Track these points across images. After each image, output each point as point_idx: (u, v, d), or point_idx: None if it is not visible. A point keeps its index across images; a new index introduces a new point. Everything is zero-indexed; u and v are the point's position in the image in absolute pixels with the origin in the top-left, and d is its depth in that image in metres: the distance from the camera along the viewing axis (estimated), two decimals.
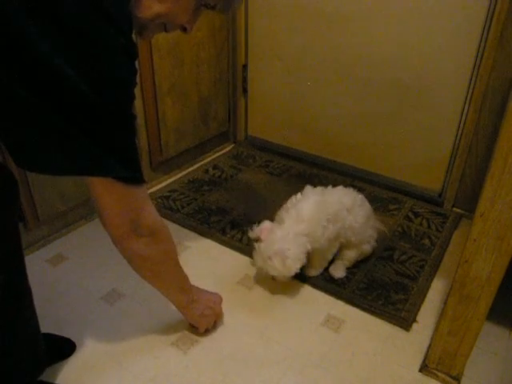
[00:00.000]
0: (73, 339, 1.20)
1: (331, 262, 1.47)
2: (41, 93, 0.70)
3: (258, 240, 1.33)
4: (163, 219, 1.00)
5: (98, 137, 0.76)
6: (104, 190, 0.83)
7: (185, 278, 1.13)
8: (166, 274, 1.07)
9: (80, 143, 0.75)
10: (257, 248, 1.32)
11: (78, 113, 0.73)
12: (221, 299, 1.25)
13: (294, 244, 1.27)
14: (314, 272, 1.45)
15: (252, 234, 1.35)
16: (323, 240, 1.33)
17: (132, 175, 0.84)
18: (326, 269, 1.46)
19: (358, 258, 1.48)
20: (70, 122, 0.72)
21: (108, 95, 0.74)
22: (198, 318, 1.20)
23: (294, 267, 1.27)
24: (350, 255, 1.45)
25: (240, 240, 1.62)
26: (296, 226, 1.30)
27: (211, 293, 1.24)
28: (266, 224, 1.34)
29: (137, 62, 0.80)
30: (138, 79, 1.84)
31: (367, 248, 1.47)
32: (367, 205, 1.46)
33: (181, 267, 1.10)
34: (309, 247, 1.29)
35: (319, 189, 1.42)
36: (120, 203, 0.86)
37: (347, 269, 1.46)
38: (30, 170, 0.82)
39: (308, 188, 1.40)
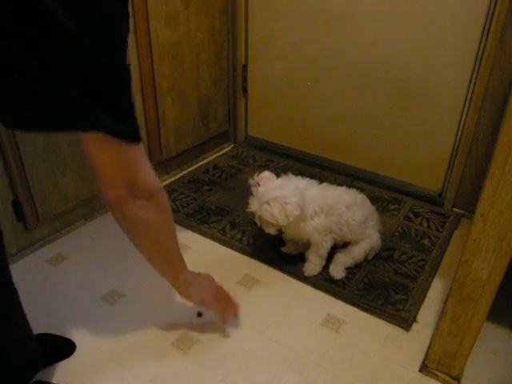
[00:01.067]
0: (73, 339, 1.20)
1: (330, 261, 1.47)
2: (39, 47, 0.66)
3: (256, 186, 1.34)
4: None
5: (93, 90, 0.72)
6: (98, 147, 0.80)
7: (180, 252, 1.09)
8: (166, 244, 1.02)
9: (74, 97, 0.71)
10: (254, 192, 1.33)
11: (75, 65, 0.69)
12: (213, 280, 1.21)
13: (293, 193, 1.29)
14: (311, 271, 1.45)
15: (251, 181, 1.36)
16: (310, 225, 1.35)
17: (127, 130, 0.80)
18: (326, 268, 1.47)
19: (369, 256, 1.49)
20: (65, 76, 0.69)
21: (106, 44, 0.71)
22: (201, 297, 1.17)
23: (293, 214, 1.27)
24: (355, 252, 1.46)
25: (240, 240, 1.62)
26: (298, 185, 1.34)
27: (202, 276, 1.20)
28: (267, 173, 1.36)
29: (129, 7, 0.77)
30: (137, 80, 1.85)
31: (374, 242, 1.48)
32: (368, 206, 1.48)
33: (177, 241, 1.06)
34: (298, 213, 1.28)
35: (324, 184, 1.46)
36: (115, 162, 0.82)
37: (347, 269, 1.47)
38: (19, 129, 0.77)
39: (314, 180, 1.45)
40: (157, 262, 1.05)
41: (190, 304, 1.34)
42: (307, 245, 1.45)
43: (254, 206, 1.33)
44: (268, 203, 1.28)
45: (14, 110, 0.72)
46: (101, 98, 0.74)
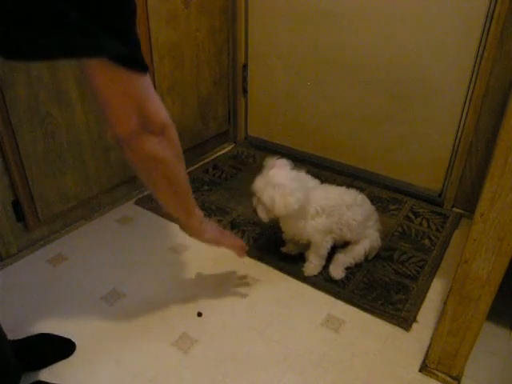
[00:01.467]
0: (73, 339, 1.20)
1: (330, 261, 1.47)
2: None
3: (269, 168, 1.35)
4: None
5: (96, 15, 0.69)
6: (104, 77, 0.76)
7: (190, 190, 1.06)
8: (179, 181, 1.00)
9: (76, 21, 0.68)
10: (265, 172, 1.34)
11: None
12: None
13: (299, 189, 1.30)
14: (311, 271, 1.45)
15: (267, 162, 1.37)
16: (311, 225, 1.36)
17: (132, 57, 0.77)
18: (326, 268, 1.47)
19: (369, 256, 1.50)
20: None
21: None
22: (212, 237, 1.20)
23: (291, 207, 1.27)
24: (355, 252, 1.46)
25: None
26: (308, 183, 1.37)
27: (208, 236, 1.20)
28: (284, 160, 1.36)
29: None
30: None
31: (374, 241, 1.48)
32: (368, 205, 1.48)
33: (187, 179, 1.03)
34: (296, 207, 1.29)
35: (325, 184, 1.47)
36: (123, 92, 0.79)
37: (347, 269, 1.47)
38: (21, 59, 0.73)
39: (317, 180, 1.46)
40: (171, 200, 1.04)
41: (189, 305, 1.34)
42: (307, 245, 1.45)
43: (258, 184, 1.33)
44: (273, 187, 1.28)
45: (16, 38, 0.68)
46: (104, 23, 0.70)
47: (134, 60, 0.78)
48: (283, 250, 1.55)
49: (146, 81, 0.82)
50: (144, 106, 0.83)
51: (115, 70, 0.76)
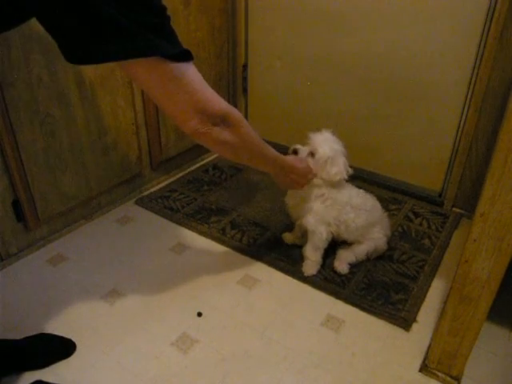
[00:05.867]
0: (73, 339, 1.20)
1: (332, 259, 1.47)
2: None
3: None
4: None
5: (144, 20, 0.76)
6: (158, 78, 0.82)
7: (268, 149, 1.18)
8: (250, 155, 1.13)
9: (129, 27, 0.75)
10: (322, 133, 1.39)
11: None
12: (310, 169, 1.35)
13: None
14: (309, 270, 1.45)
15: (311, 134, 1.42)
16: (310, 206, 1.38)
17: (179, 50, 0.82)
18: (326, 268, 1.47)
19: (371, 256, 1.50)
20: (118, 9, 0.73)
21: None
22: (286, 184, 1.34)
23: (338, 175, 1.33)
24: (357, 251, 1.47)
25: (240, 240, 1.61)
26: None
27: (302, 166, 1.33)
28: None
29: None
30: None
31: (379, 245, 1.48)
32: (377, 213, 1.48)
33: (262, 141, 1.14)
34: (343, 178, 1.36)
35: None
36: (177, 91, 0.85)
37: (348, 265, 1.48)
38: (83, 63, 0.80)
39: None
40: (251, 163, 1.19)
41: (189, 305, 1.35)
42: (305, 240, 1.45)
43: (319, 138, 1.37)
44: (337, 152, 1.34)
45: (82, 45, 0.76)
46: (152, 28, 0.77)
47: (180, 52, 0.83)
48: (284, 236, 1.59)
49: (195, 72, 0.88)
50: (198, 99, 0.88)
51: (166, 68, 0.81)
